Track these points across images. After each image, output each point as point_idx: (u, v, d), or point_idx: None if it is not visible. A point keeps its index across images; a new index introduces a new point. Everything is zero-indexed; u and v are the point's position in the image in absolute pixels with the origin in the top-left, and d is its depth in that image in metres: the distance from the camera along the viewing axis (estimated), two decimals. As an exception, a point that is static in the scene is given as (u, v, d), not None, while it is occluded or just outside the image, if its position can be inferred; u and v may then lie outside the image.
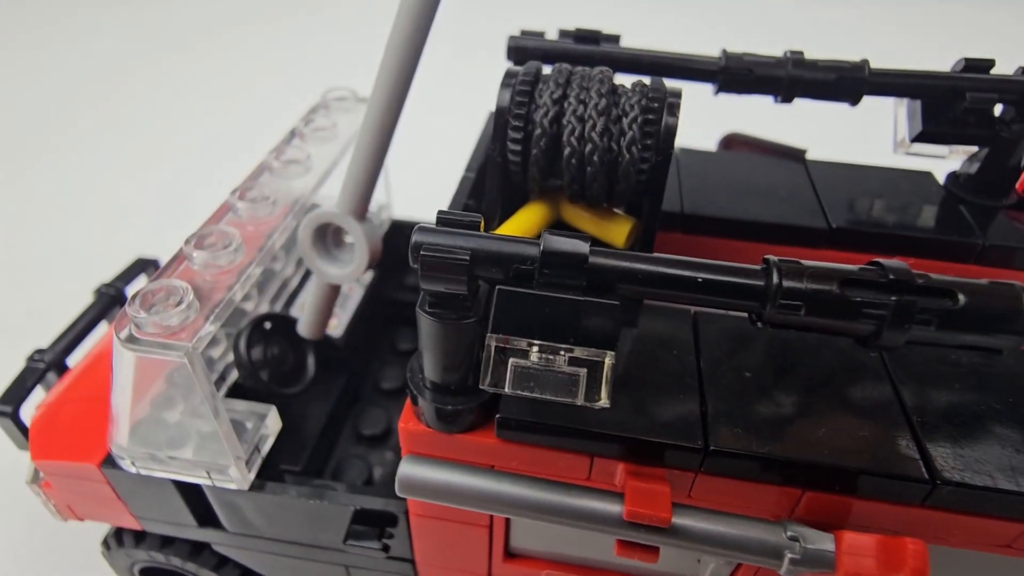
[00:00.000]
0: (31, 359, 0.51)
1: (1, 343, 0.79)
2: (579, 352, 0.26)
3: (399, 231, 0.63)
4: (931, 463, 0.30)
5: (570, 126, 0.34)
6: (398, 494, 0.32)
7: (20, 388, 0.49)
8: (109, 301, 0.58)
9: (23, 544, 0.60)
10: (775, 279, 0.26)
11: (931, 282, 0.26)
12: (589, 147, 0.34)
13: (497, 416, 0.32)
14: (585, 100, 0.35)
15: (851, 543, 0.27)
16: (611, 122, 0.34)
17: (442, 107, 1.18)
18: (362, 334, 0.58)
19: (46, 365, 0.51)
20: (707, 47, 0.54)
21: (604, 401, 0.25)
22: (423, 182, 0.88)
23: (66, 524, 0.61)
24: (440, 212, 0.28)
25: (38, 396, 0.50)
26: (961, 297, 0.25)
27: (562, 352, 0.26)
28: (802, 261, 0.27)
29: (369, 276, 0.60)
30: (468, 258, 0.26)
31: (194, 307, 0.34)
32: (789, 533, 0.28)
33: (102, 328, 0.57)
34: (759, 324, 0.27)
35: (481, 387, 0.26)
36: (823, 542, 0.28)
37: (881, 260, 0.27)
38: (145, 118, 1.24)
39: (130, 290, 0.60)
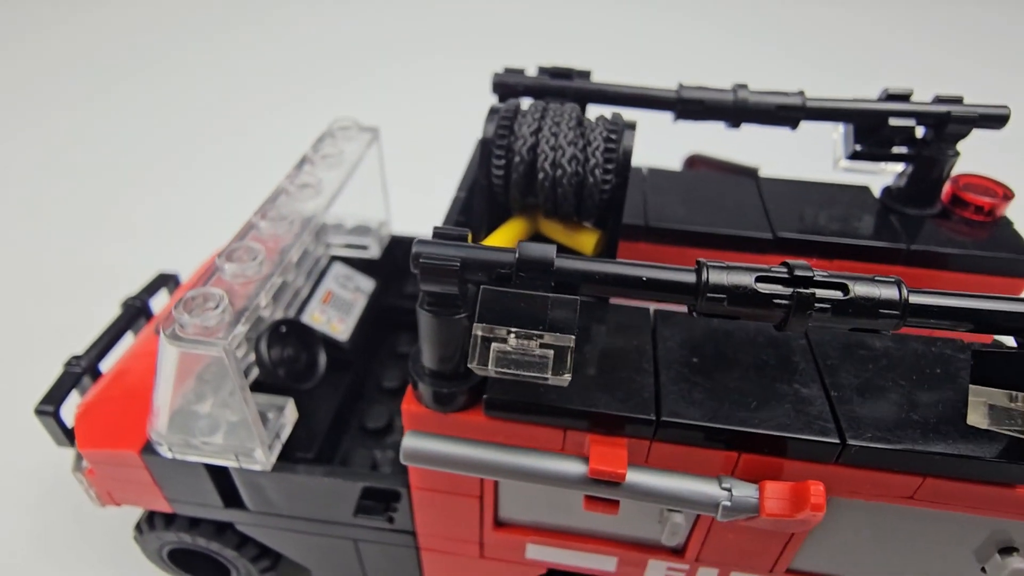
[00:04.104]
0: (68, 364, 0.57)
1: (31, 351, 0.86)
2: (548, 338, 0.32)
3: (398, 245, 0.70)
4: (841, 428, 0.36)
5: (544, 155, 0.41)
6: (402, 462, 0.38)
7: (60, 390, 0.55)
8: (135, 312, 0.64)
9: (54, 534, 0.66)
10: (704, 276, 0.32)
11: (827, 277, 0.32)
12: (560, 172, 0.41)
13: (484, 397, 0.38)
14: (556, 132, 0.41)
15: (770, 490, 0.34)
16: (578, 151, 0.41)
17: (434, 135, 1.26)
18: (365, 338, 0.64)
19: (82, 370, 0.57)
20: (670, 78, 0.61)
21: (567, 375, 0.32)
22: (418, 201, 0.95)
23: (93, 518, 0.67)
24: (435, 228, 0.35)
25: (74, 398, 0.56)
26: (850, 289, 0.32)
27: (534, 338, 0.32)
28: (727, 263, 0.33)
29: (371, 286, 0.67)
30: (459, 265, 0.32)
31: (228, 311, 0.40)
32: (723, 485, 0.35)
33: (128, 337, 0.63)
34: (694, 314, 0.34)
35: (469, 366, 0.32)
36: (749, 491, 0.34)
37: (789, 260, 0.33)
38: (151, 144, 1.32)
39: (153, 302, 0.66)
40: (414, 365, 0.39)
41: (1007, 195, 0.54)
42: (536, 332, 0.32)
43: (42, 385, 0.74)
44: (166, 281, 0.69)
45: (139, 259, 1.00)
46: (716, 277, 0.32)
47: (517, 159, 0.42)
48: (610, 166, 0.41)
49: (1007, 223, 0.53)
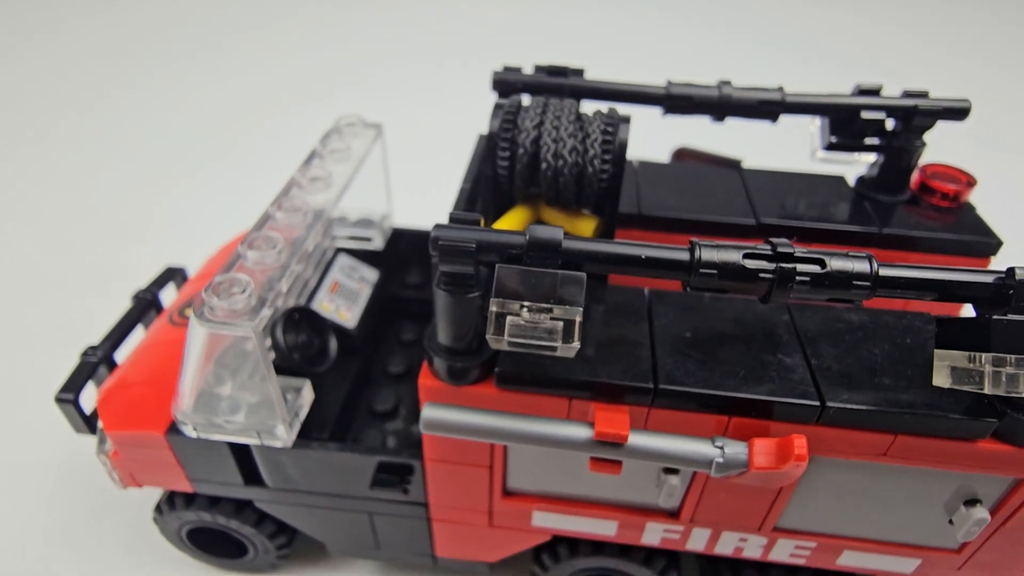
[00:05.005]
0: (85, 354, 0.59)
1: (33, 343, 0.87)
2: (557, 311, 0.35)
3: (400, 237, 0.73)
4: (821, 392, 0.40)
5: (546, 147, 0.44)
6: (422, 431, 0.41)
7: (78, 379, 0.57)
8: (145, 305, 0.66)
9: (70, 521, 0.68)
10: (697, 254, 0.36)
11: (806, 253, 0.36)
12: (561, 162, 0.44)
13: (496, 370, 0.41)
14: (557, 126, 0.45)
15: (758, 446, 0.37)
16: (578, 143, 0.44)
17: (430, 131, 1.29)
18: (371, 325, 0.67)
19: (98, 359, 0.59)
20: (657, 75, 0.65)
21: (576, 344, 0.35)
22: (417, 194, 0.98)
23: (107, 504, 0.69)
24: (451, 213, 0.38)
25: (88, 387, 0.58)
26: (827, 263, 0.36)
27: (545, 311, 0.36)
28: (718, 242, 0.37)
29: (375, 276, 0.69)
30: (474, 246, 0.36)
31: (254, 295, 0.43)
32: (716, 444, 0.38)
33: (138, 329, 0.65)
34: (688, 288, 0.37)
35: (487, 338, 0.35)
36: (739, 448, 0.38)
37: (772, 239, 0.37)
38: (154, 142, 1.34)
39: (163, 295, 0.68)
40: (430, 342, 0.42)
41: (970, 182, 0.58)
42: (546, 306, 0.35)
43: (47, 376, 0.77)
44: (173, 275, 0.71)
45: (138, 253, 1.02)
46: (708, 255, 0.36)
47: (521, 151, 0.45)
48: (607, 156, 0.44)
49: (970, 208, 0.58)
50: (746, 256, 0.36)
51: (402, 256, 0.73)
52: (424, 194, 1.00)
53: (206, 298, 0.42)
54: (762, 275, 0.35)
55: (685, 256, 0.36)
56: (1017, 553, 0.46)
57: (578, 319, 0.35)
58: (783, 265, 0.35)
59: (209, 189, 1.20)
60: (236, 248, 0.47)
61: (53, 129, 1.36)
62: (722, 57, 1.69)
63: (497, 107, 0.47)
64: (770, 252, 0.36)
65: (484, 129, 0.47)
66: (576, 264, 0.36)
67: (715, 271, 0.36)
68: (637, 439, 0.39)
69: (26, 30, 1.75)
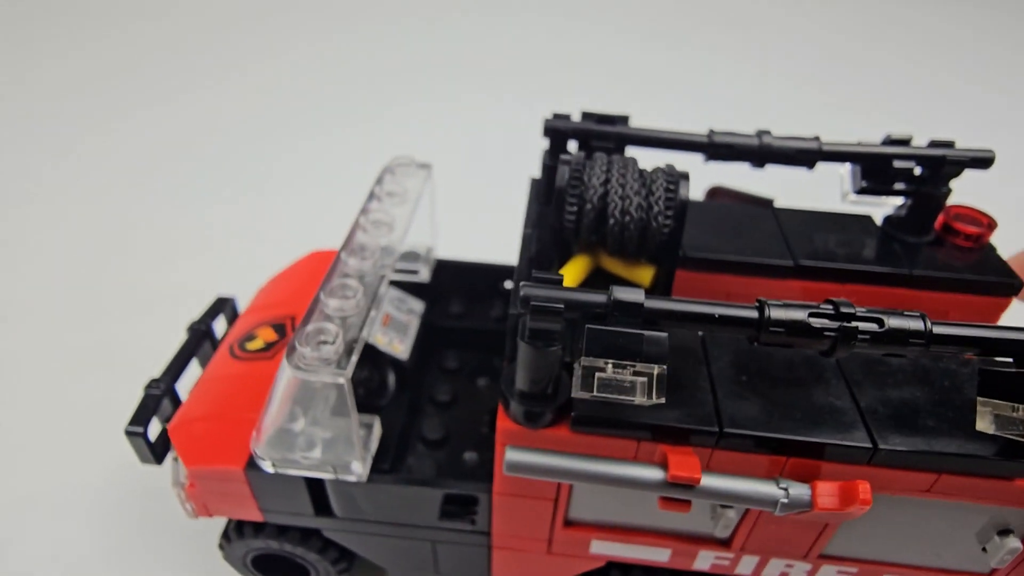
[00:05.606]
0: (149, 387, 0.61)
1: (89, 366, 0.89)
2: (640, 367, 0.39)
3: (443, 269, 0.76)
4: (872, 434, 0.43)
5: (613, 203, 0.47)
6: (506, 473, 0.44)
7: (145, 412, 0.59)
8: (200, 336, 0.68)
9: (123, 548, 0.70)
10: (766, 313, 0.39)
11: (866, 313, 0.39)
12: (628, 218, 0.47)
13: (572, 414, 0.44)
14: (623, 184, 0.48)
15: (822, 488, 0.41)
16: (643, 200, 0.47)
17: (476, 173, 1.32)
18: (419, 356, 0.69)
19: (161, 392, 0.61)
20: (699, 124, 0.69)
21: (658, 399, 0.38)
22: (462, 228, 1.01)
23: (160, 531, 0.72)
24: (535, 273, 0.41)
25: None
26: (885, 322, 0.39)
27: (628, 368, 0.39)
28: (785, 301, 0.40)
29: (421, 307, 0.72)
30: (563, 306, 0.39)
31: (341, 344, 0.46)
32: (781, 485, 0.42)
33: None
34: (756, 344, 0.40)
35: (575, 393, 0.39)
36: (804, 489, 0.41)
37: (834, 299, 0.40)
38: (193, 169, 1.36)
39: (216, 325, 0.70)
40: (507, 387, 0.45)
41: (991, 224, 0.62)
42: (631, 363, 0.38)
43: (98, 398, 0.79)
44: (223, 305, 0.73)
45: (178, 276, 1.04)
46: (776, 314, 0.39)
47: (588, 207, 0.48)
48: (670, 212, 0.48)
49: (991, 249, 0.61)
50: (811, 315, 0.39)
51: (443, 287, 0.76)
52: (468, 227, 1.03)
53: (298, 347, 0.45)
54: (826, 333, 0.39)
55: (754, 315, 0.39)
56: (1044, 578, 0.50)
57: (664, 374, 0.39)
58: (845, 324, 0.39)
59: (250, 213, 1.22)
60: (317, 294, 0.50)
61: (91, 153, 1.38)
62: (750, 94, 1.74)
63: (563, 162, 0.50)
64: (832, 312, 0.39)
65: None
66: (656, 321, 0.40)
67: (783, 329, 0.39)
68: (707, 481, 0.42)
69: (75, 50, 1.78)
